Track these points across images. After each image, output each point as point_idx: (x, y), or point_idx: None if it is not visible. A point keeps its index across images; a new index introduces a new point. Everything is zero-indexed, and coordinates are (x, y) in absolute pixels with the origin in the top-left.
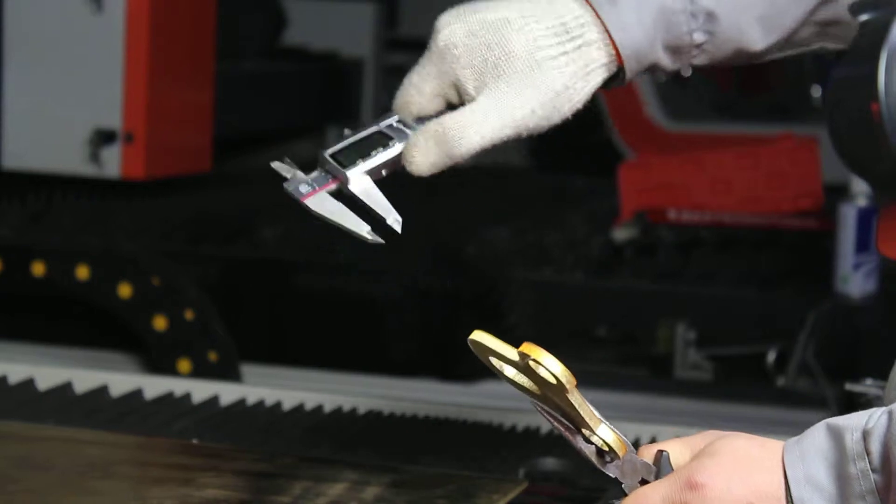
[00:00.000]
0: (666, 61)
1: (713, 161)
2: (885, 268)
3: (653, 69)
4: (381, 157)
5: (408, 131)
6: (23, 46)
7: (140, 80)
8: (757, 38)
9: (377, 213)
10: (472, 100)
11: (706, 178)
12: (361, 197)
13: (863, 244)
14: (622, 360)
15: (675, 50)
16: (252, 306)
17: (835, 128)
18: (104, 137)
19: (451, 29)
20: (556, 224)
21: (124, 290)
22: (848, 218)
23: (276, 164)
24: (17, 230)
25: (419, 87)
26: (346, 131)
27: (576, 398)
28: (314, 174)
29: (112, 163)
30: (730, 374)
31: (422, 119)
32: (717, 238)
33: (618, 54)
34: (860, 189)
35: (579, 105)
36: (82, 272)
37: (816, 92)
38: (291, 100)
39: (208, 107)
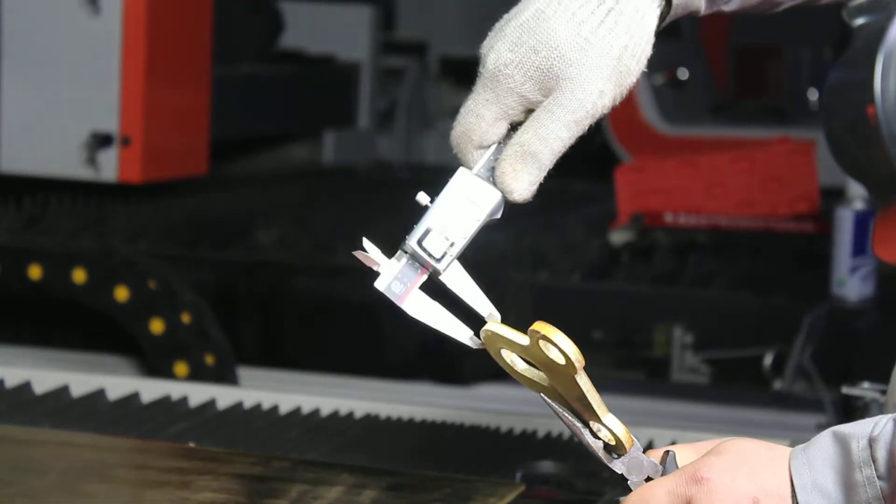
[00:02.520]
0: (703, 1)
1: (710, 164)
2: (881, 271)
3: (690, 10)
4: (469, 233)
5: (485, 182)
6: (20, 49)
7: (137, 83)
8: None
9: (473, 309)
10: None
11: (703, 182)
12: (457, 292)
13: (859, 247)
14: (619, 363)
15: None
16: (248, 309)
17: (831, 131)
18: (101, 141)
19: (495, 51)
20: (553, 227)
21: (121, 294)
22: (844, 221)
23: (360, 255)
24: (14, 233)
25: (479, 114)
26: (422, 199)
27: (584, 382)
28: (403, 265)
29: (109, 166)
30: (727, 378)
31: (491, 158)
32: (713, 241)
33: None
34: (857, 192)
35: (647, 54)
36: (79, 275)
37: (813, 95)
38: (288, 103)
39: (205, 110)
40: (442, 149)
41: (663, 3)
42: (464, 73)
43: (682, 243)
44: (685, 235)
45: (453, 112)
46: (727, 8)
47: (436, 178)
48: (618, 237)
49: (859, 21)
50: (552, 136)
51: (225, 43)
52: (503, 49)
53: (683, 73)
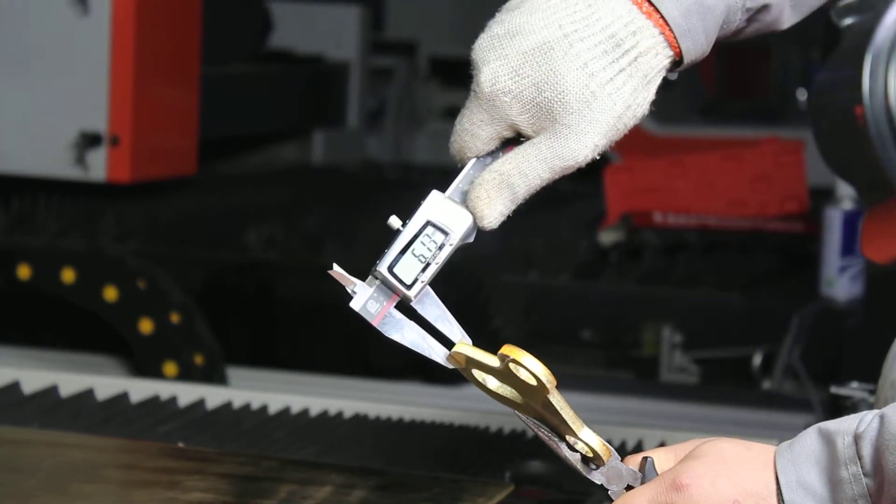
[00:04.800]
0: (708, 49)
1: (698, 164)
2: (870, 271)
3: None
4: (440, 260)
5: (458, 205)
6: (8, 49)
7: (126, 83)
8: (786, 20)
9: (443, 333)
10: (530, 138)
11: (691, 182)
12: (429, 319)
13: (848, 247)
14: (608, 363)
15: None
16: (238, 309)
17: (819, 131)
18: (90, 140)
19: (492, 70)
20: (542, 227)
21: (110, 293)
22: (833, 221)
23: (335, 274)
24: (3, 233)
25: (473, 133)
26: (394, 223)
27: (557, 400)
28: (376, 287)
29: (98, 166)
30: (715, 377)
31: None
32: (702, 241)
33: (678, 53)
34: (845, 192)
35: (644, 113)
36: (68, 275)
37: (802, 95)
38: (277, 103)
39: (194, 110)
40: (431, 148)
41: (671, 65)
42: (453, 72)
43: (670, 243)
44: (674, 235)
45: (443, 112)
46: (729, 40)
47: (425, 177)
48: (607, 237)
49: (847, 21)
50: (534, 174)
51: (214, 43)
52: (502, 74)
53: (672, 73)
